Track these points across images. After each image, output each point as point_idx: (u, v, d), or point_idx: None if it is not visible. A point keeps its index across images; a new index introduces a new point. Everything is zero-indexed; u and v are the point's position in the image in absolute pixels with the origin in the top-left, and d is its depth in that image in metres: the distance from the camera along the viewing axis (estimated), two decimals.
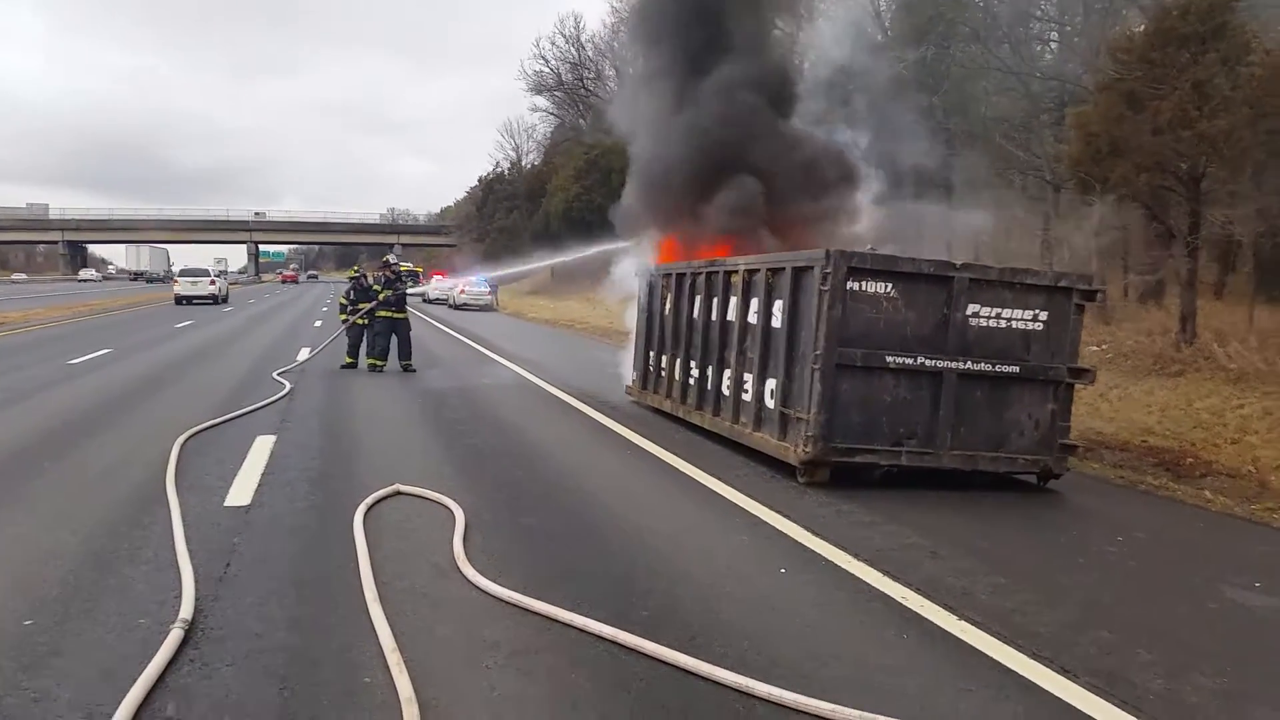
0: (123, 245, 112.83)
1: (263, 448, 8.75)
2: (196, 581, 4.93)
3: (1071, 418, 8.46)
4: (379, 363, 15.80)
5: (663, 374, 11.84)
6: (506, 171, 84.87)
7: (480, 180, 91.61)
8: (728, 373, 9.76)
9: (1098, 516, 7.75)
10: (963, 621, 4.81)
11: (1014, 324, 8.23)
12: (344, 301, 16.72)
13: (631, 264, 14.02)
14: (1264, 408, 11.07)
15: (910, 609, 5.00)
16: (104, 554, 5.49)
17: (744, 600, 5.02)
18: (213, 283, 41.16)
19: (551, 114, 77.48)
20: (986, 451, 8.22)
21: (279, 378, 13.74)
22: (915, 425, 8.08)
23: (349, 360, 16.02)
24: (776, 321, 8.73)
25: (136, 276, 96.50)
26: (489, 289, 44.33)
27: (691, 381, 10.81)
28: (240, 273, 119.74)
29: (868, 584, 5.39)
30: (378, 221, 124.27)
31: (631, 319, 14.40)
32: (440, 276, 60.29)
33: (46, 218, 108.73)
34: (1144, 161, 12.85)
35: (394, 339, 16.10)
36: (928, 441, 8.09)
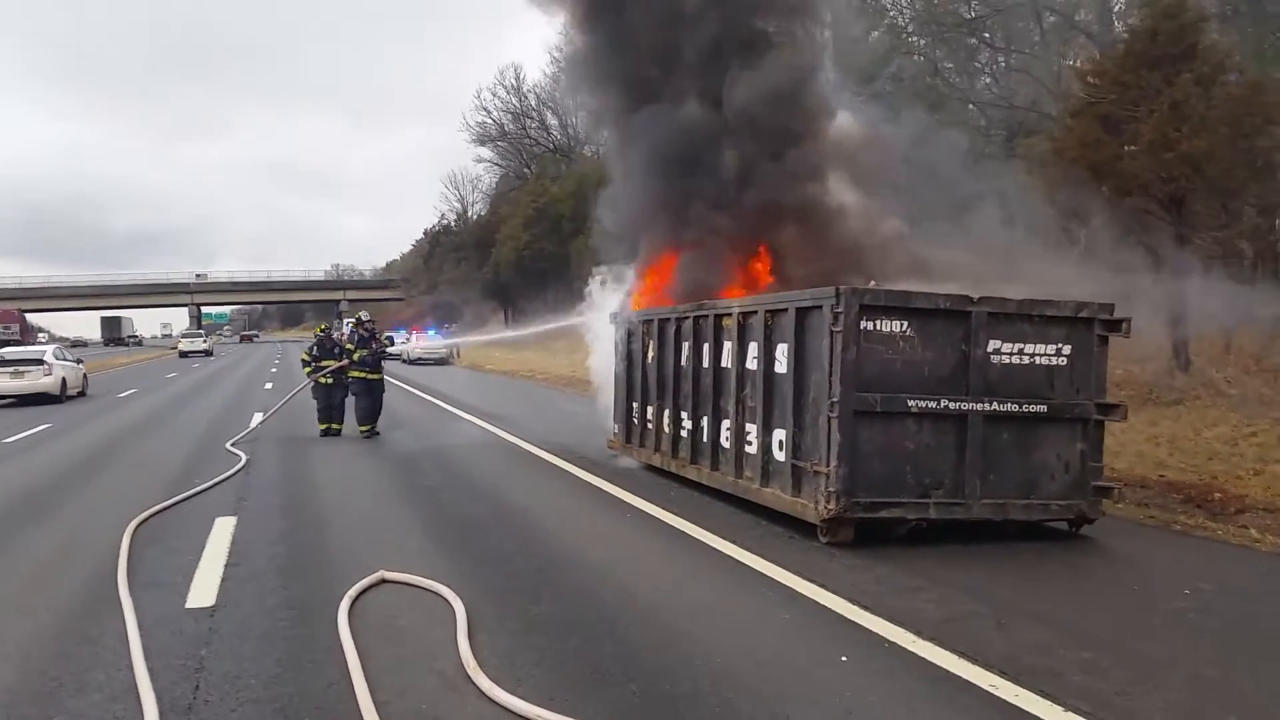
0: (63, 314, 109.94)
1: (223, 532, 7.89)
2: (160, 715, 4.12)
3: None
4: (366, 427, 14.76)
5: (649, 426, 11.15)
6: (453, 223, 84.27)
7: (426, 233, 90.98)
8: (726, 424, 9.10)
9: (1148, 566, 7.18)
10: (1070, 713, 4.15)
11: (1037, 359, 7.69)
12: (306, 357, 15.70)
13: (598, 317, 13.35)
14: (1279, 435, 10.69)
15: (1003, 699, 4.32)
16: (45, 682, 4.63)
17: (816, 705, 4.30)
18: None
19: (496, 164, 77.00)
20: (1017, 499, 7.63)
21: (232, 449, 12.77)
22: (941, 474, 7.47)
23: (322, 426, 14.97)
24: (780, 367, 8.10)
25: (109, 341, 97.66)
26: (444, 343, 43.33)
27: (683, 434, 10.13)
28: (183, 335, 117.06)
29: (946, 670, 4.70)
30: (322, 278, 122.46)
31: (599, 368, 13.75)
32: (416, 333, 59.17)
33: None
34: (1125, 185, 12.59)
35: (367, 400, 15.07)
36: (956, 491, 7.48)
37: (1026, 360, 7.65)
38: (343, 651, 4.92)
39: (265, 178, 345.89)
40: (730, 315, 9.03)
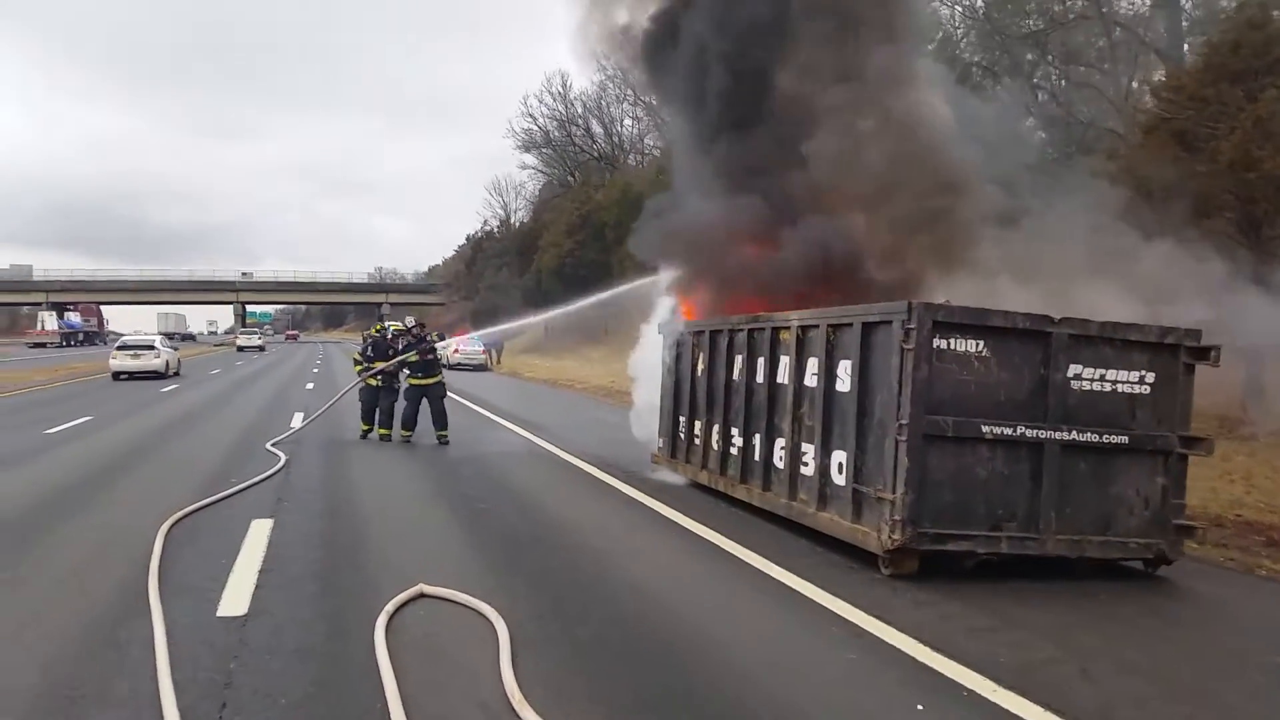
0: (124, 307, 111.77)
1: (259, 535, 7.63)
2: None
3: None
4: (405, 433, 14.32)
5: (696, 441, 10.78)
6: (495, 229, 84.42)
7: (468, 239, 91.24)
8: (780, 443, 8.71)
9: (1237, 614, 6.70)
10: None
11: (1119, 387, 7.23)
12: (358, 357, 15.37)
13: (660, 315, 12.93)
14: None
15: None
16: (67, 690, 4.36)
17: None
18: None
19: (540, 171, 77.15)
20: (1094, 535, 7.17)
21: (273, 449, 12.56)
22: (1014, 505, 7.03)
23: (365, 428, 14.57)
24: (843, 385, 7.71)
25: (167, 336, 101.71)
26: (483, 348, 43.27)
27: (733, 451, 9.74)
28: (227, 332, 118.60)
29: None
30: (365, 281, 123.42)
31: (642, 378, 13.39)
32: (461, 336, 59.30)
33: (30, 279, 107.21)
34: (1202, 206, 12.05)
35: (424, 407, 14.46)
36: (1029, 524, 7.03)
37: (1108, 387, 7.20)
38: (379, 672, 4.61)
39: (308, 180, 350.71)
40: (788, 329, 8.64)
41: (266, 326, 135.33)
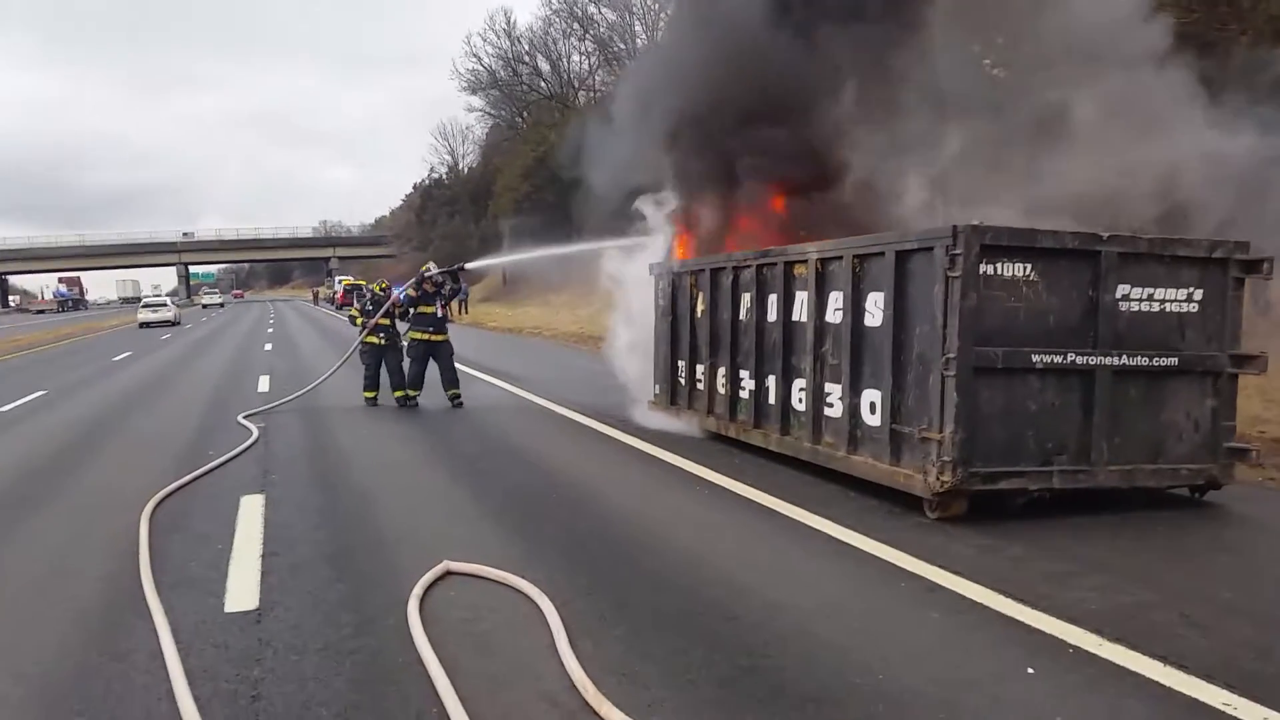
0: (51, 274, 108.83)
1: (252, 513, 7.04)
2: None
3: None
4: (412, 393, 13.10)
5: (699, 386, 10.27)
6: (444, 176, 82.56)
7: (416, 187, 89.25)
8: (800, 384, 8.23)
9: None
10: None
11: (1168, 306, 6.82)
12: (356, 313, 14.09)
13: (634, 258, 12.28)
14: None
15: None
16: (70, 717, 3.79)
17: None
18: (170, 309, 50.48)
19: (488, 113, 75.15)
20: (1145, 464, 6.81)
21: (245, 421, 11.55)
22: (1065, 438, 6.63)
23: (370, 395, 13.29)
24: (873, 319, 7.22)
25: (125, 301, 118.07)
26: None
27: (744, 394, 9.26)
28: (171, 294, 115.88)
29: (1156, 681, 3.89)
30: (311, 235, 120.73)
31: (635, 316, 12.77)
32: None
33: None
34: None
35: (431, 365, 13.23)
36: (1080, 457, 6.64)
37: (1157, 307, 6.79)
38: (424, 666, 4.10)
39: (245, 133, 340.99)
40: (805, 262, 8.11)
41: (204, 287, 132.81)
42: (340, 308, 70.06)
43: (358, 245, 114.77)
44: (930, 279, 6.53)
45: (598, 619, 4.70)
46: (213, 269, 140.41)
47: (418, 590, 5.04)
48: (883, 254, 7.04)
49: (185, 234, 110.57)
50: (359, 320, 13.69)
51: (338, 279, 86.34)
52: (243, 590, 5.27)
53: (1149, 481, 6.84)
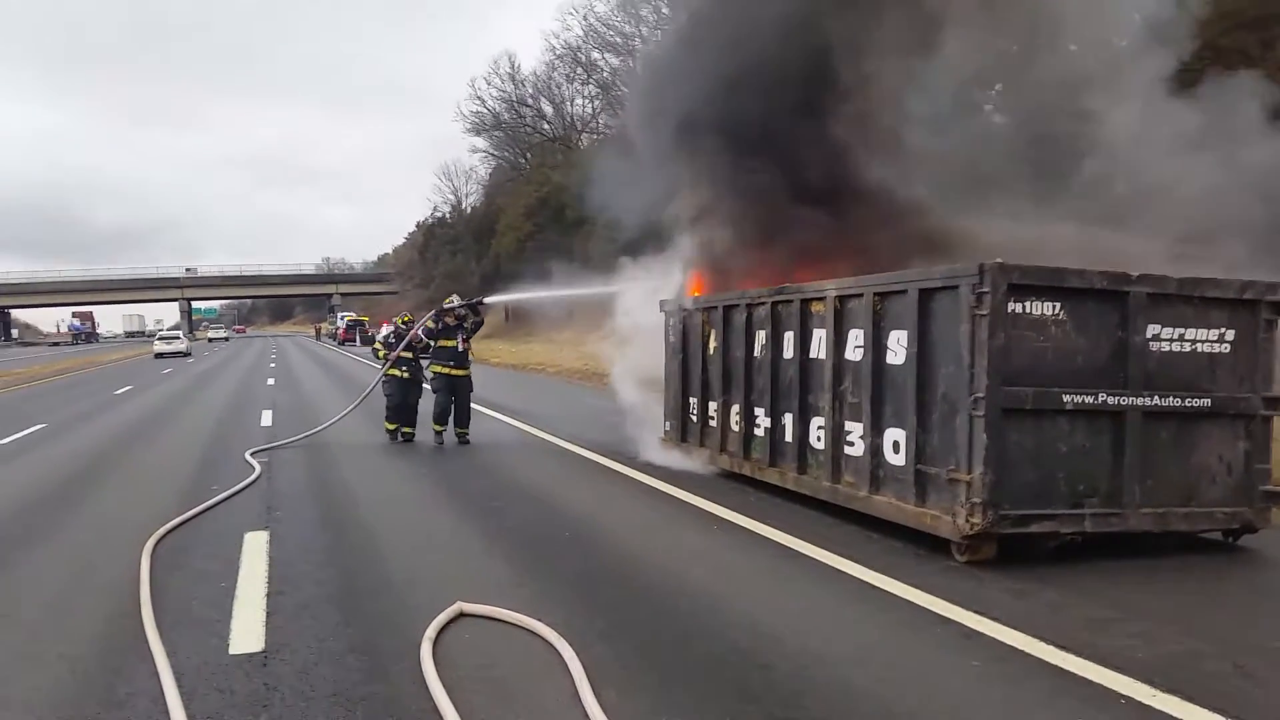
0: (48, 309, 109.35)
1: (256, 550, 6.83)
2: None
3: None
4: (438, 428, 12.72)
5: (711, 423, 10.09)
6: (447, 215, 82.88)
7: (419, 225, 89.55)
8: (818, 422, 8.05)
9: None
10: None
11: (1199, 347, 6.66)
12: (379, 346, 13.89)
13: (637, 297, 12.11)
14: None
15: None
16: None
17: None
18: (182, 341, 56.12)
19: (491, 154, 75.70)
20: (1178, 507, 6.61)
21: (251, 459, 11.05)
22: (1097, 480, 6.44)
23: (392, 427, 12.95)
24: (895, 357, 7.06)
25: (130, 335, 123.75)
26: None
27: (758, 432, 9.08)
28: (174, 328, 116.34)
29: None
30: (314, 272, 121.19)
31: (641, 362, 12.59)
32: (387, 325, 58.03)
33: None
34: None
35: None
36: (1112, 499, 6.45)
37: (1188, 347, 6.63)
38: (440, 715, 3.89)
39: (249, 170, 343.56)
40: (823, 300, 7.97)
41: (205, 323, 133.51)
42: (342, 344, 70.16)
43: (360, 282, 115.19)
44: (956, 318, 6.38)
45: (621, 666, 4.49)
46: (215, 304, 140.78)
47: (430, 633, 4.83)
48: (905, 292, 6.90)
49: (188, 269, 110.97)
50: (382, 354, 13.46)
51: (340, 315, 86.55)
52: (248, 631, 5.06)
53: (1182, 525, 6.64)
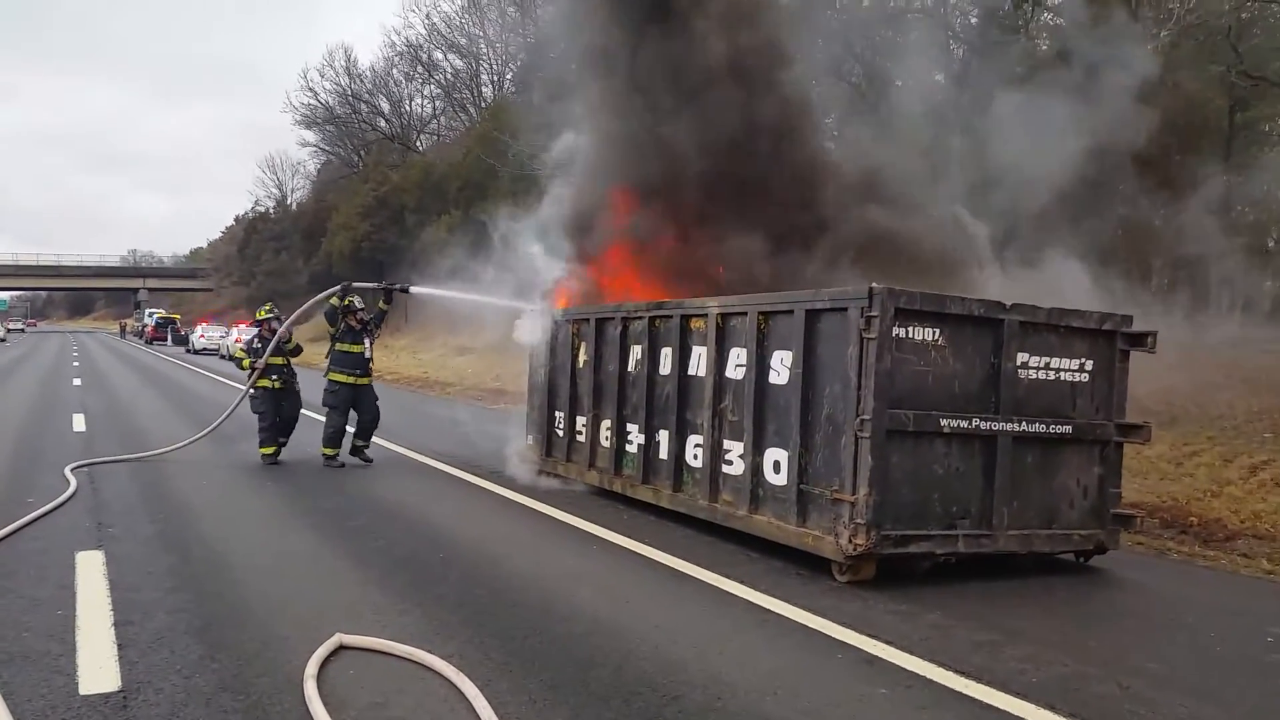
0: None
1: (92, 573, 6.15)
2: None
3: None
4: (329, 451, 11.18)
5: (578, 439, 9.91)
6: (271, 210, 79.29)
7: (238, 219, 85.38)
8: (696, 440, 8.01)
9: (1194, 605, 6.58)
10: None
11: (1062, 375, 7.01)
12: (241, 354, 11.66)
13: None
14: (1220, 454, 10.58)
15: None
16: None
17: None
18: None
19: (322, 149, 72.89)
20: (1040, 529, 6.92)
21: (70, 474, 9.55)
22: (968, 502, 6.66)
23: (268, 451, 11.19)
24: (778, 377, 7.09)
25: None
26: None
27: (630, 449, 8.96)
28: None
29: None
30: (119, 264, 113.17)
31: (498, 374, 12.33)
32: (205, 324, 54.76)
33: None
34: None
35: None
36: (982, 521, 6.68)
37: (1052, 375, 6.96)
38: None
39: (47, 150, 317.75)
40: (704, 317, 7.95)
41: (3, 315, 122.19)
42: (151, 342, 65.77)
43: (170, 277, 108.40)
44: (843, 340, 6.45)
45: (528, 702, 4.24)
46: (4, 296, 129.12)
47: (311, 669, 4.43)
48: (791, 312, 6.94)
49: None
50: (246, 363, 11.41)
51: (149, 311, 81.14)
52: (98, 667, 4.51)
53: (1044, 547, 6.96)
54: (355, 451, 11.45)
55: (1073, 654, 5.11)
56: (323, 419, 11.41)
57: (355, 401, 11.40)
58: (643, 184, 9.90)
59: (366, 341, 11.47)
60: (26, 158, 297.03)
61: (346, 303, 11.42)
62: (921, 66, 17.15)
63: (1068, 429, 6.97)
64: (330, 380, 11.37)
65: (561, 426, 10.24)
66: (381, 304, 12.06)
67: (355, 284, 12.09)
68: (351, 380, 11.35)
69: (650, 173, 9.79)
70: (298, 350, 11.91)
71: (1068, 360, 7.01)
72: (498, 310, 11.06)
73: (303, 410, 11.80)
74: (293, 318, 12.09)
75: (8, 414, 16.61)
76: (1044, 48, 19.07)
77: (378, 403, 11.65)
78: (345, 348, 11.38)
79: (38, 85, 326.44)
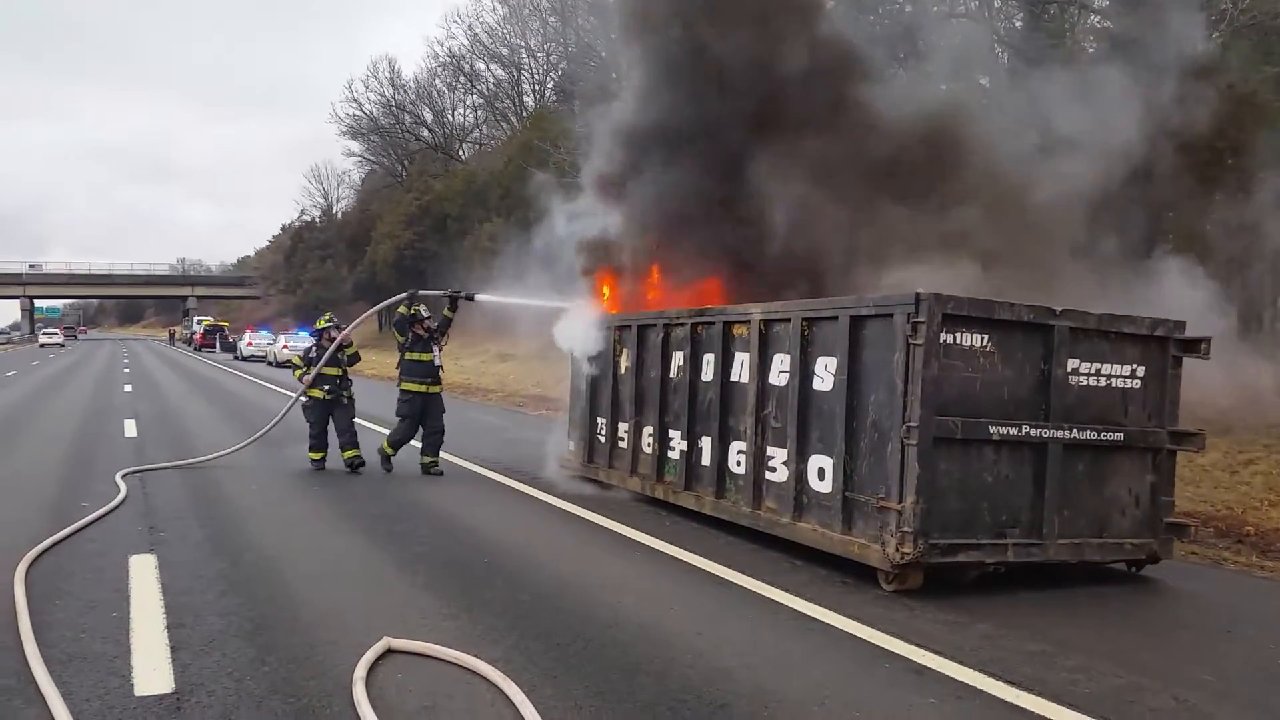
0: None
1: (145, 575, 6.27)
2: None
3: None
4: (389, 450, 11.25)
5: (620, 445, 9.92)
6: (317, 219, 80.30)
7: (285, 228, 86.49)
8: (739, 446, 7.98)
9: (1254, 615, 6.47)
10: None
11: (1113, 382, 6.89)
12: (298, 361, 11.89)
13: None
14: (1277, 462, 10.35)
15: None
16: None
17: None
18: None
19: (367, 159, 73.77)
20: (1092, 538, 6.80)
21: (121, 481, 9.63)
22: (1018, 511, 6.56)
23: (316, 456, 11.32)
24: (823, 383, 7.05)
25: None
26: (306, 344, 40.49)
27: (673, 455, 8.95)
28: (13, 329, 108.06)
29: None
30: (168, 273, 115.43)
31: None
32: (252, 331, 55.61)
33: None
34: None
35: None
36: (1032, 530, 6.58)
37: (1103, 382, 6.85)
38: None
39: (101, 163, 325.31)
40: (746, 323, 7.92)
41: (50, 324, 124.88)
42: (200, 349, 66.91)
43: (218, 285, 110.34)
44: (889, 346, 6.40)
45: (574, 708, 4.25)
46: (58, 304, 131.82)
47: (360, 672, 4.47)
48: (836, 318, 6.90)
49: (32, 266, 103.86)
50: (299, 372, 11.60)
51: (197, 319, 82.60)
52: (152, 669, 4.58)
53: (1095, 556, 6.84)
54: (425, 469, 11.22)
55: (1127, 666, 5.02)
56: (371, 426, 11.52)
57: (424, 411, 11.25)
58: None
59: (435, 349, 11.31)
60: (80, 171, 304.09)
61: (413, 311, 11.30)
62: (966, 71, 17.01)
63: (1119, 436, 6.84)
64: (402, 390, 11.28)
65: (603, 432, 10.26)
66: (447, 311, 11.79)
67: (422, 291, 12.08)
68: (424, 389, 11.23)
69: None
70: (355, 358, 11.77)
71: (1119, 366, 6.90)
72: (557, 315, 10.91)
73: (355, 419, 11.76)
74: (355, 323, 12.04)
75: (63, 419, 17.00)
76: (1090, 50, 18.86)
77: (444, 414, 11.45)
78: (415, 356, 11.23)
79: (92, 101, 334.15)
